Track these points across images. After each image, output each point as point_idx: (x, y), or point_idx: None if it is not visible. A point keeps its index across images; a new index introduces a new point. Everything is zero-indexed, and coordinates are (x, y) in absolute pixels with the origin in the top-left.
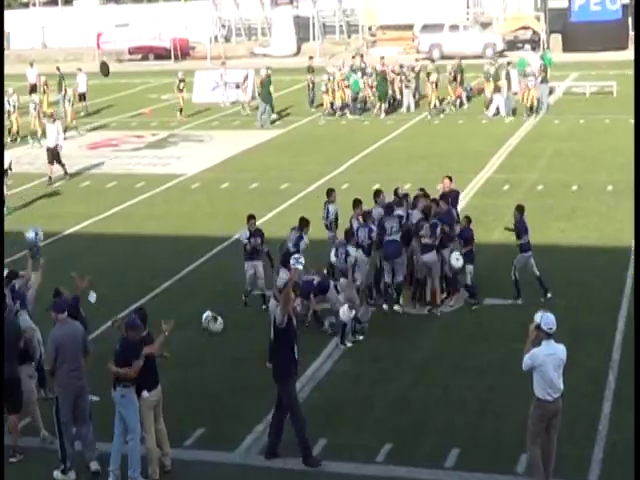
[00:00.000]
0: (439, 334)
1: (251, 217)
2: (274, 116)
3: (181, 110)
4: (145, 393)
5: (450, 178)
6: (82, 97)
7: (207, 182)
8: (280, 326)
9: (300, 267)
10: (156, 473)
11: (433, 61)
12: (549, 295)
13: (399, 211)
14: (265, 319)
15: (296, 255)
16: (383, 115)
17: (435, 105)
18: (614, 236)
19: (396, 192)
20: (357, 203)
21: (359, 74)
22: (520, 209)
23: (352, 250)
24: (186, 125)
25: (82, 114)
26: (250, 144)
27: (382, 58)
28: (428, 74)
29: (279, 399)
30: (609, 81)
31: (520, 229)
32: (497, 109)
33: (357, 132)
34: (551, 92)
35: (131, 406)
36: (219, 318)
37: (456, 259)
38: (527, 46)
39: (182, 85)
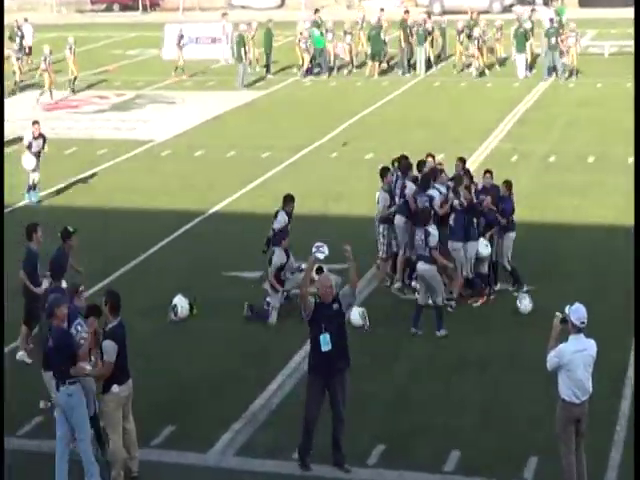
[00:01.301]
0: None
1: (290, 199)
2: (270, 76)
3: (176, 68)
4: (115, 387)
5: (463, 160)
6: (29, 51)
7: (179, 149)
8: (306, 319)
9: (321, 257)
10: (121, 477)
11: (430, 16)
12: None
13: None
14: (239, 301)
15: (318, 243)
16: (376, 76)
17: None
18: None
19: (420, 166)
20: (385, 171)
21: (328, 33)
22: (508, 185)
23: (434, 230)
24: (154, 85)
25: (28, 70)
26: (227, 107)
27: (382, 10)
28: (469, 30)
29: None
30: (630, 40)
31: (506, 208)
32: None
33: (348, 95)
34: (562, 53)
35: (80, 407)
36: (184, 304)
37: (485, 245)
38: (539, 0)
39: (182, 41)
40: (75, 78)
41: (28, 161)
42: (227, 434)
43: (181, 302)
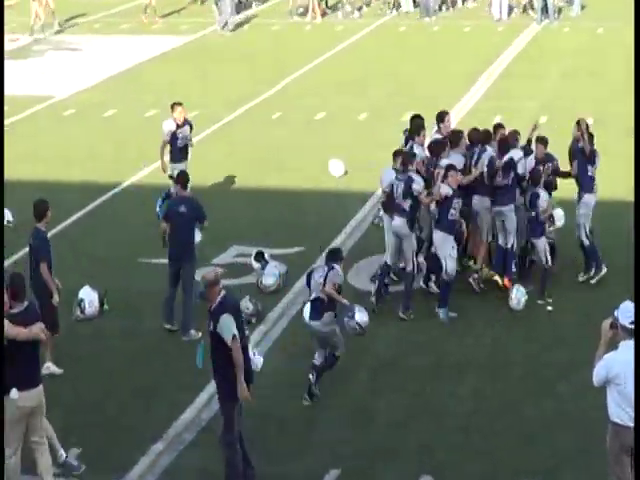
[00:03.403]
0: (411, 320)
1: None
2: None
3: (146, 8)
4: (14, 393)
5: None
6: None
7: (85, 108)
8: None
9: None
10: None
11: None
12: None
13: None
14: (158, 295)
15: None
16: (319, 19)
17: None
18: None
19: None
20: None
21: None
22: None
23: (544, 193)
24: (54, 29)
25: None
26: (144, 56)
27: None
28: None
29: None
30: None
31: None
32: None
33: (294, 41)
34: None
35: None
36: (93, 298)
37: (562, 215)
38: None
39: None
40: None
41: None
42: (146, 457)
43: (89, 296)
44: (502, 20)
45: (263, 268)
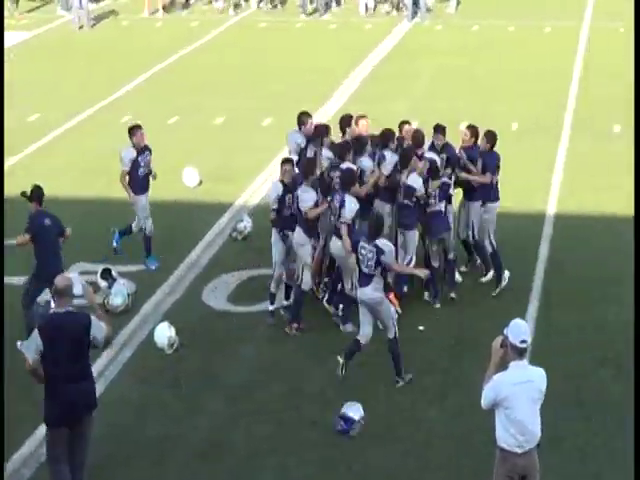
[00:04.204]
0: (267, 343)
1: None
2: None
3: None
4: None
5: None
6: None
7: None
8: None
9: None
10: None
11: None
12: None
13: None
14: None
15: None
16: (162, 12)
17: None
18: (525, 198)
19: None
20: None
21: None
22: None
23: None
24: None
25: None
26: None
27: None
28: None
29: None
30: None
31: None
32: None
33: (140, 38)
34: None
35: None
36: None
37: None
38: None
39: None
40: None
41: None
42: None
43: None
44: (369, 16)
45: (110, 287)
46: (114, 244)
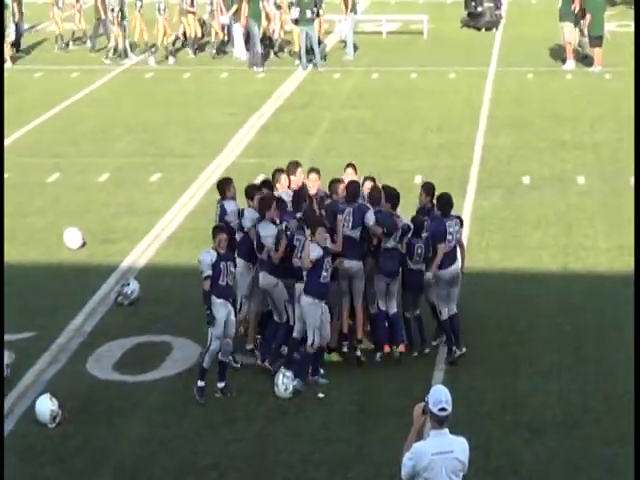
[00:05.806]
0: (157, 414)
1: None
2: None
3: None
4: None
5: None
6: None
7: None
8: None
9: None
10: None
11: None
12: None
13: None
14: None
15: None
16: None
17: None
18: None
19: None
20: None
21: None
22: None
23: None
24: None
25: None
26: None
27: None
28: None
29: None
30: (418, 14)
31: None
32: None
33: (21, 90)
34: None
35: None
36: None
37: None
38: None
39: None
40: None
41: None
42: None
43: None
44: (245, 60)
45: None
46: None
